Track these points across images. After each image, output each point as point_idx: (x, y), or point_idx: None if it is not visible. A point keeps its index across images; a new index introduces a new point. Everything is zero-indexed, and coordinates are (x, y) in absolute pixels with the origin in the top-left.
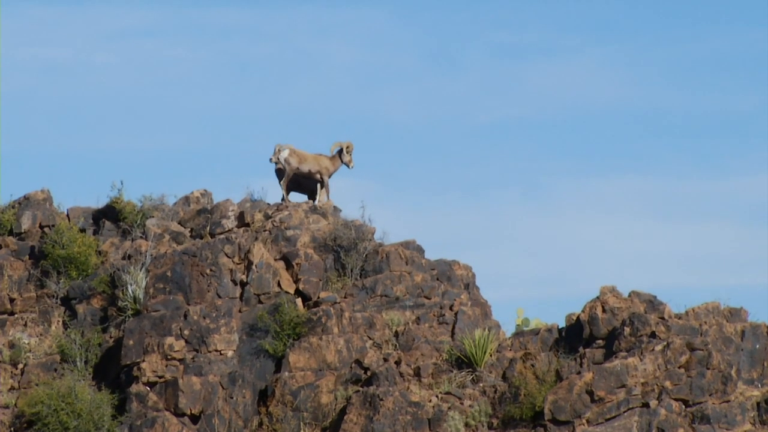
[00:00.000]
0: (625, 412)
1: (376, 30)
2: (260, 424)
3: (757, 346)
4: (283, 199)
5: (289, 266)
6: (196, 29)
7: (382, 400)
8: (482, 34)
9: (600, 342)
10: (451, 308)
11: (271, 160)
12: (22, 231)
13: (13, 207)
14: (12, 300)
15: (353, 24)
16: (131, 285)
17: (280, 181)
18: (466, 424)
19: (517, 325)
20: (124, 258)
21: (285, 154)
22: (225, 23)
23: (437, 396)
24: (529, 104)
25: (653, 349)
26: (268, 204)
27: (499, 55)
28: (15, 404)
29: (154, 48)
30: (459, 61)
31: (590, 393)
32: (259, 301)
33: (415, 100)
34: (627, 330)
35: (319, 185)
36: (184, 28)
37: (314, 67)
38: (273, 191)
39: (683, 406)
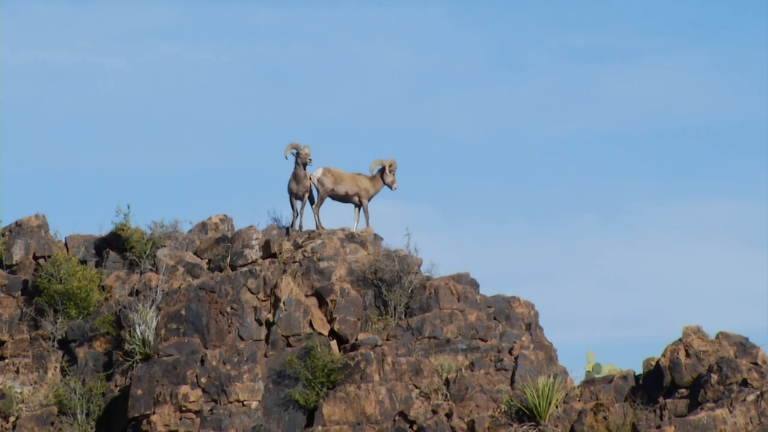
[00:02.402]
0: None
1: (430, 30)
2: None
3: None
4: (317, 227)
5: (322, 303)
6: (220, 30)
7: None
8: (553, 36)
9: (683, 391)
10: (510, 352)
11: (286, 157)
12: (14, 263)
13: (3, 235)
14: (2, 343)
15: (403, 23)
16: (140, 325)
17: (291, 201)
18: None
19: (587, 371)
20: (131, 294)
21: (318, 173)
22: (254, 23)
23: None
24: (607, 116)
25: (745, 399)
26: (298, 231)
27: (571, 59)
28: None
29: (172, 51)
30: (526, 66)
31: None
32: (288, 344)
33: (474, 111)
34: (714, 377)
35: (356, 209)
36: (206, 29)
37: (357, 73)
38: (306, 218)
39: None
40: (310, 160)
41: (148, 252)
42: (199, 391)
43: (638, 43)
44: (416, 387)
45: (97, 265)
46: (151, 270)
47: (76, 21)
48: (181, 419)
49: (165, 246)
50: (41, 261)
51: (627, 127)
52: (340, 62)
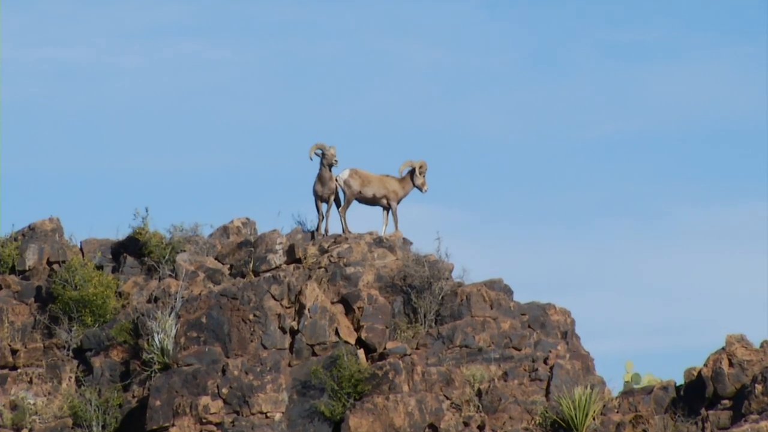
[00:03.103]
0: None
1: (462, 26)
2: None
3: None
4: (343, 231)
5: (349, 311)
6: (242, 26)
7: None
8: (592, 32)
9: (726, 402)
10: (545, 361)
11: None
12: (27, 268)
13: (16, 239)
14: (14, 352)
15: (434, 19)
16: (158, 333)
17: (317, 204)
18: None
19: (626, 381)
20: (149, 301)
21: (345, 175)
22: (278, 19)
23: None
24: (648, 116)
25: None
26: (323, 235)
27: (611, 56)
28: None
29: (192, 49)
30: (562, 64)
31: None
32: (313, 353)
33: (508, 111)
34: (759, 388)
35: (384, 213)
36: (227, 25)
37: (386, 71)
38: (331, 221)
39: None
40: (335, 161)
41: (167, 257)
42: (220, 403)
43: (682, 39)
44: (447, 398)
45: (114, 270)
46: (170, 276)
47: (91, 17)
48: (201, 431)
49: (185, 251)
50: (55, 266)
51: (667, 128)
52: (367, 60)
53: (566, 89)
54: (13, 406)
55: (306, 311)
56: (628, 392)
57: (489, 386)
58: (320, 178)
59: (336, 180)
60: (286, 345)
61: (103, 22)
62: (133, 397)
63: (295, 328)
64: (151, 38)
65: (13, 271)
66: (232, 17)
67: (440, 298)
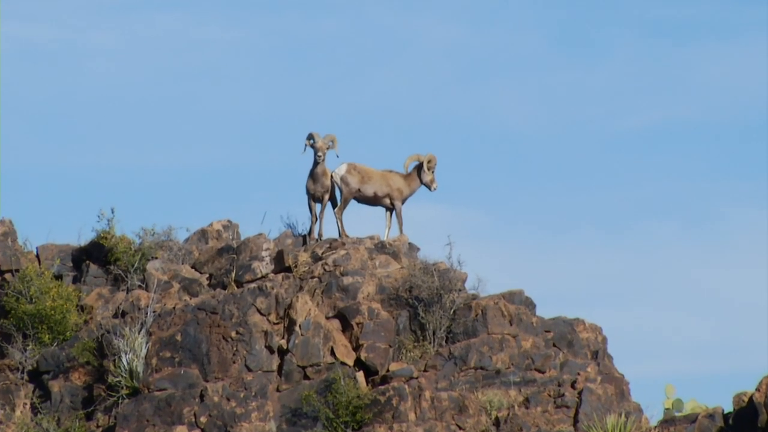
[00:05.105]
0: None
1: (486, 4)
2: None
3: None
4: (339, 234)
5: (346, 327)
6: (230, 1)
7: None
8: (631, 8)
9: None
10: (573, 385)
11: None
12: None
13: None
14: None
15: None
16: (126, 353)
17: (309, 204)
18: None
19: (667, 408)
20: (115, 316)
21: (342, 170)
22: None
23: None
24: (695, 103)
25: None
26: (317, 240)
27: (654, 36)
28: None
29: (174, 27)
30: (598, 44)
31: None
32: (305, 376)
33: (535, 98)
34: None
35: (387, 213)
36: (213, 1)
37: (395, 52)
38: (326, 223)
39: None
40: (320, 154)
41: (136, 265)
42: None
43: (735, 16)
44: (460, 428)
45: (75, 280)
46: (139, 287)
47: None
48: None
49: (156, 258)
50: (7, 276)
51: (719, 116)
52: (374, 39)
53: (602, 73)
54: None
55: (297, 328)
56: (668, 421)
57: (508, 414)
58: (313, 174)
59: (331, 176)
60: (274, 367)
61: None
62: (98, 426)
63: (284, 347)
64: (126, 14)
65: None
66: None
67: (452, 312)
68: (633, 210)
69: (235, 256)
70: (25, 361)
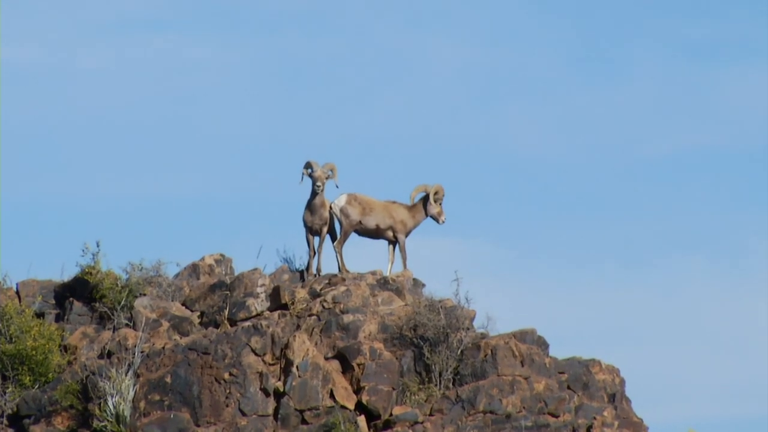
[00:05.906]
0: None
1: (499, 19)
2: None
3: None
4: (339, 270)
5: (347, 368)
6: (227, 20)
7: None
8: (657, 26)
9: None
10: (588, 430)
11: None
12: None
13: None
14: None
15: (464, 10)
16: (112, 396)
17: (307, 237)
18: None
19: None
20: (101, 356)
21: (341, 201)
22: (270, 10)
23: None
24: (727, 128)
25: None
26: (315, 275)
27: (682, 57)
28: None
29: (165, 47)
30: (620, 65)
31: None
32: (303, 421)
33: (552, 123)
34: None
35: (390, 247)
36: (209, 18)
37: (403, 73)
38: (325, 257)
39: None
40: (319, 185)
41: (123, 302)
42: None
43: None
44: None
45: (58, 318)
46: (127, 325)
47: (42, 9)
48: None
49: (145, 294)
50: None
51: (751, 143)
52: (378, 59)
53: (624, 96)
54: None
55: (294, 369)
56: None
57: None
58: (310, 206)
59: (331, 208)
60: (270, 411)
61: (57, 16)
62: None
63: (281, 389)
64: (115, 34)
65: None
66: (214, 8)
67: (459, 352)
68: (654, 243)
69: (228, 292)
70: (5, 404)
